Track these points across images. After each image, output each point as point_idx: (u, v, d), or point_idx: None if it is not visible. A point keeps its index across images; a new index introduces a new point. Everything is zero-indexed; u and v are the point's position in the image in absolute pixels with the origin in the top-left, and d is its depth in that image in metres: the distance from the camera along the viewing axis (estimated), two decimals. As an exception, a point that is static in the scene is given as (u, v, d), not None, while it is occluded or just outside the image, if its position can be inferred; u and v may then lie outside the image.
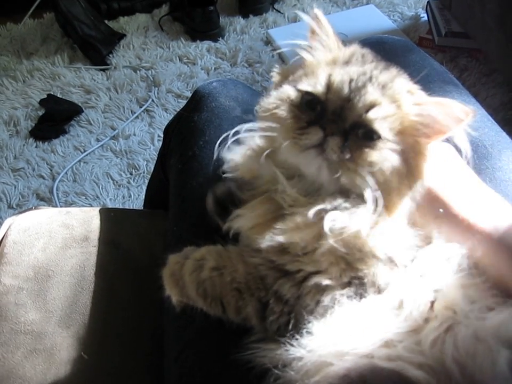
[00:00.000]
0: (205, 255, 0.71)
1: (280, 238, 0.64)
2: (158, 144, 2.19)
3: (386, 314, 0.61)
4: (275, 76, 0.73)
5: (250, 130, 0.72)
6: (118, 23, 2.89)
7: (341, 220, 0.62)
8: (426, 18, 2.67)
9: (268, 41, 2.72)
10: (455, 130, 0.62)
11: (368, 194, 0.61)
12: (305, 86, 0.65)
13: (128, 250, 1.04)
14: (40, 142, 2.27)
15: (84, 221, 1.07)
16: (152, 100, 2.42)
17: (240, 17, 2.89)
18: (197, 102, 1.04)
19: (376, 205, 0.61)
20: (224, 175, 0.80)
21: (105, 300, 0.96)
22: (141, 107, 2.40)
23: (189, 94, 1.08)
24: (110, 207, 1.99)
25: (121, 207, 2.01)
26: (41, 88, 2.52)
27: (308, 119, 0.63)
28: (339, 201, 0.64)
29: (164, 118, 2.34)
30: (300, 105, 0.65)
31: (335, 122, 0.62)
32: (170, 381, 0.78)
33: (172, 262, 0.74)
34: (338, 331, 0.59)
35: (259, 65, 2.57)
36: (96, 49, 2.62)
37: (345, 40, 0.73)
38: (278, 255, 0.66)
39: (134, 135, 2.28)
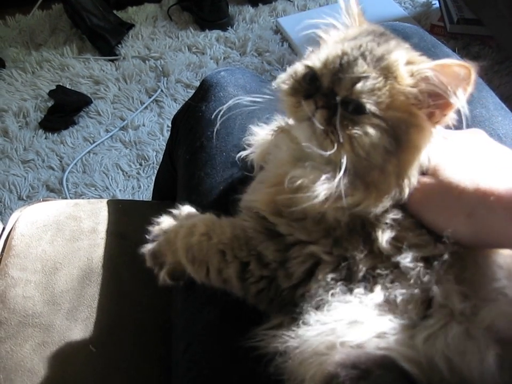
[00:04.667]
0: (196, 223, 0.73)
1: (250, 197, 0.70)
2: (167, 135, 2.16)
3: (382, 309, 0.60)
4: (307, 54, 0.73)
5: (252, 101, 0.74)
6: (126, 13, 2.88)
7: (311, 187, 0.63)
8: (438, 5, 2.64)
9: (278, 30, 2.70)
10: (459, 93, 0.60)
11: (342, 166, 0.61)
12: (307, 61, 0.67)
13: (136, 242, 1.03)
14: (50, 133, 2.27)
15: (92, 213, 1.06)
16: (161, 90, 2.41)
17: (249, 6, 2.87)
18: (205, 91, 1.03)
19: (353, 181, 0.62)
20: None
21: (113, 292, 0.95)
22: (150, 97, 2.39)
23: (198, 84, 1.08)
24: (119, 198, 1.99)
25: (131, 198, 2.01)
26: (50, 79, 2.51)
27: (306, 93, 0.66)
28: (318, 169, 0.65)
29: (173, 108, 2.33)
30: (302, 80, 0.67)
31: (326, 96, 0.63)
32: (178, 373, 0.78)
33: (171, 230, 0.77)
34: (333, 322, 0.59)
35: (268, 54, 2.55)
36: (105, 40, 2.61)
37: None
38: (274, 215, 0.67)
39: (143, 125, 2.28)
